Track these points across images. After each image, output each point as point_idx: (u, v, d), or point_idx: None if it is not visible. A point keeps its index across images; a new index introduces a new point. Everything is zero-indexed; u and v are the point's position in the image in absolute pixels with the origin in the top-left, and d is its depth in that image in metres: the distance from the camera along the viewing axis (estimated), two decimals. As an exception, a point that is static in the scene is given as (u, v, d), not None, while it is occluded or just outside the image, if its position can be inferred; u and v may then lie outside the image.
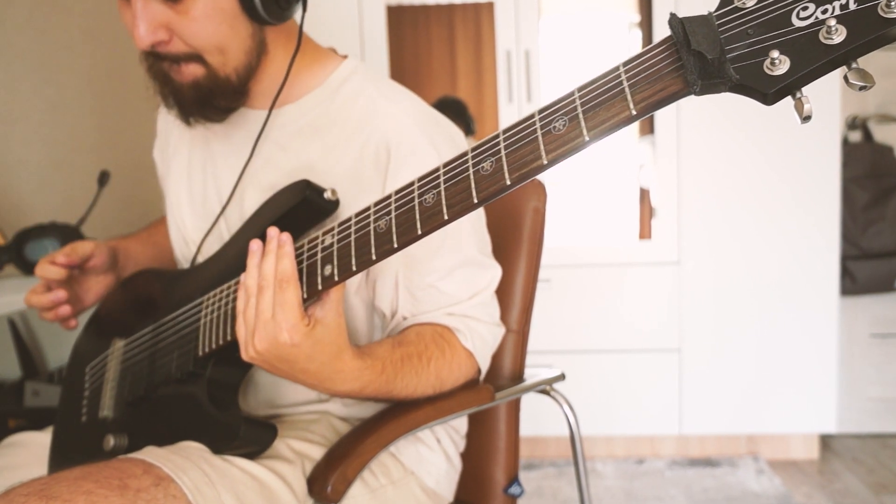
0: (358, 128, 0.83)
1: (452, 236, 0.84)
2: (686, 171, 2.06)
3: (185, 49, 0.77)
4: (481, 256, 0.88)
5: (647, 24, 2.21)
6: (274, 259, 0.69)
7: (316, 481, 0.75)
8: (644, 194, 2.34)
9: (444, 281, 0.84)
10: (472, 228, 0.87)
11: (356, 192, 0.81)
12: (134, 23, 0.75)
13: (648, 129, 2.18)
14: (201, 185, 0.92)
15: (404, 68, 2.27)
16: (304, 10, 0.83)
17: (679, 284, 2.10)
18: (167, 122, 1.01)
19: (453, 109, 2.25)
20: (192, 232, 0.93)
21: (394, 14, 2.17)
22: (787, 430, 2.12)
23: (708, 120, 2.03)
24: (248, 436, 0.73)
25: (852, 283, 2.17)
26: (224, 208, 0.89)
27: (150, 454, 0.68)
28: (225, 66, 0.79)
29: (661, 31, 2.05)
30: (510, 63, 2.08)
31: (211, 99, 0.81)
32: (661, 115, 2.05)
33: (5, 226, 1.69)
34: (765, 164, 2.03)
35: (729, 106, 1.98)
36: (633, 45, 2.35)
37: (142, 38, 0.75)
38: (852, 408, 2.26)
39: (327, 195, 0.76)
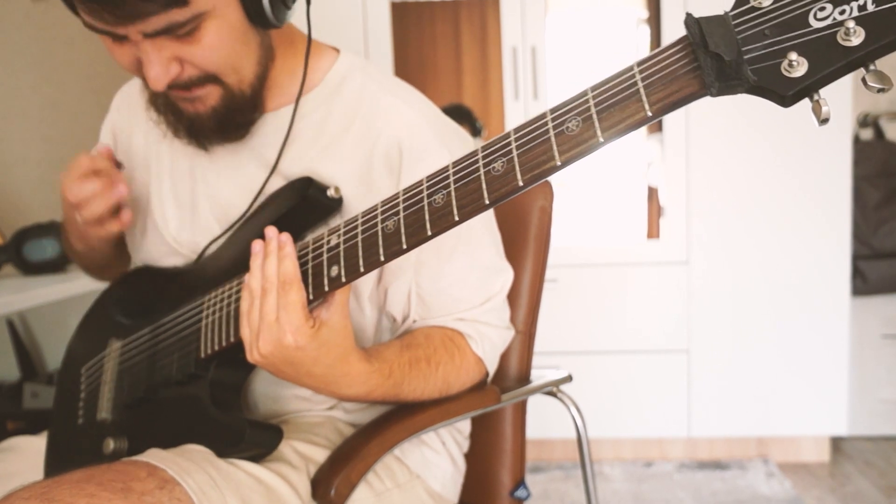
0: (365, 129, 0.81)
1: (465, 239, 0.82)
2: (695, 170, 2.05)
3: (198, 73, 0.73)
4: (494, 259, 0.86)
5: (655, 21, 2.19)
6: (276, 260, 0.68)
7: (319, 484, 0.74)
8: (652, 193, 2.32)
9: (457, 287, 0.83)
10: (484, 230, 0.85)
11: (365, 194, 0.79)
12: (145, 66, 0.70)
13: (657, 126, 2.16)
14: (189, 194, 0.87)
15: (409, 65, 2.26)
16: (309, 3, 0.79)
17: (688, 284, 2.08)
18: (127, 109, 0.95)
19: (459, 114, 2.24)
20: (177, 239, 0.88)
21: (398, 10, 2.16)
22: (798, 432, 2.10)
23: (717, 118, 2.02)
24: (254, 439, 0.72)
25: (863, 284, 2.15)
26: (235, 224, 0.83)
27: (154, 456, 0.67)
28: (241, 84, 0.76)
29: (670, 27, 2.03)
30: (516, 60, 2.07)
31: (231, 120, 0.77)
32: (670, 113, 2.03)
33: (4, 225, 1.69)
34: (775, 162, 2.01)
35: (739, 103, 1.97)
36: (641, 41, 2.34)
37: (158, 80, 0.70)
38: (863, 409, 2.24)
39: (330, 193, 0.75)
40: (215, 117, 0.76)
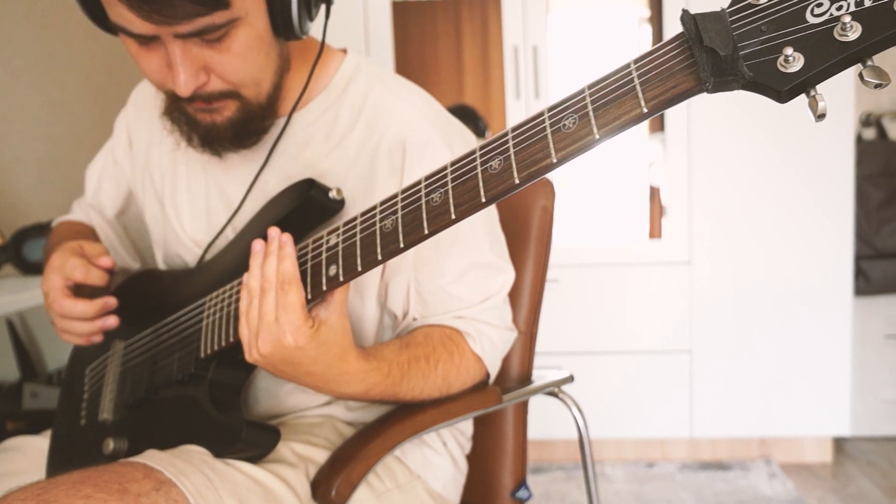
0: (369, 130, 0.82)
1: (464, 238, 0.82)
2: (697, 169, 2.04)
3: (222, 87, 0.74)
4: (494, 258, 0.86)
5: (657, 20, 2.19)
6: (275, 260, 0.68)
7: (320, 485, 0.74)
8: (654, 192, 2.32)
9: (455, 284, 0.83)
10: (484, 229, 0.85)
11: (372, 195, 0.80)
12: (172, 70, 0.70)
13: (659, 126, 2.15)
14: (203, 196, 0.89)
15: (410, 65, 2.26)
16: (328, 16, 0.80)
17: (690, 284, 2.08)
18: (133, 123, 0.96)
19: (463, 115, 2.24)
20: (195, 241, 0.90)
21: (399, 10, 2.16)
22: (800, 432, 2.10)
23: (719, 117, 2.01)
24: (251, 439, 0.72)
25: (866, 284, 2.14)
26: (231, 219, 0.86)
27: (151, 458, 0.67)
28: (259, 95, 0.77)
29: (672, 26, 2.03)
30: (518, 59, 2.07)
31: (246, 128, 0.78)
32: (672, 112, 2.03)
33: (4, 225, 1.69)
34: (777, 161, 2.01)
35: (741, 103, 1.96)
36: (643, 40, 2.33)
37: (185, 86, 0.70)
38: (866, 410, 2.23)
39: (332, 194, 0.75)
40: (231, 127, 0.77)
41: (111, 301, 0.82)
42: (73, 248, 0.83)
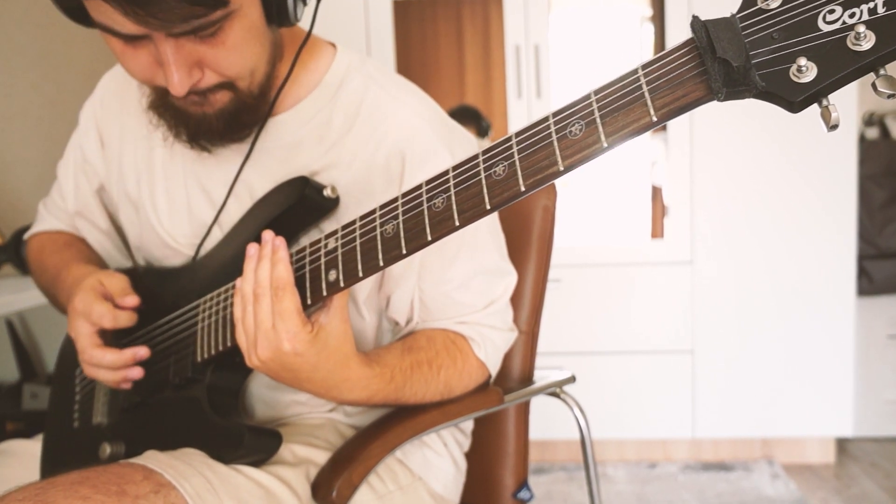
0: (365, 136, 0.79)
1: (469, 243, 0.81)
2: (699, 169, 2.04)
3: (217, 80, 0.70)
4: (498, 262, 0.85)
5: (659, 19, 2.17)
6: (269, 265, 0.66)
7: (320, 486, 0.74)
8: (656, 192, 2.31)
9: (460, 291, 0.81)
10: (488, 232, 0.84)
11: (367, 204, 0.78)
12: (165, 69, 0.67)
13: (661, 125, 2.15)
14: (183, 194, 0.85)
15: (411, 64, 2.26)
16: (319, 0, 0.77)
17: (692, 284, 2.07)
18: (102, 118, 0.92)
19: (466, 115, 2.23)
20: (176, 239, 0.87)
21: (400, 9, 2.15)
22: (803, 433, 2.09)
23: (722, 117, 2.00)
24: (252, 444, 0.72)
25: (869, 284, 2.13)
26: (216, 217, 0.83)
27: (151, 460, 0.66)
28: (252, 86, 0.74)
29: (674, 25, 2.02)
30: (519, 58, 2.06)
31: (237, 120, 0.75)
32: (675, 118, 2.02)
33: (3, 225, 1.68)
34: (779, 161, 2.00)
35: (743, 102, 1.95)
36: (645, 39, 2.32)
37: (181, 85, 0.67)
38: (869, 410, 2.22)
39: (327, 192, 0.74)
40: (223, 118, 0.74)
41: (141, 352, 0.78)
42: (95, 289, 0.79)
